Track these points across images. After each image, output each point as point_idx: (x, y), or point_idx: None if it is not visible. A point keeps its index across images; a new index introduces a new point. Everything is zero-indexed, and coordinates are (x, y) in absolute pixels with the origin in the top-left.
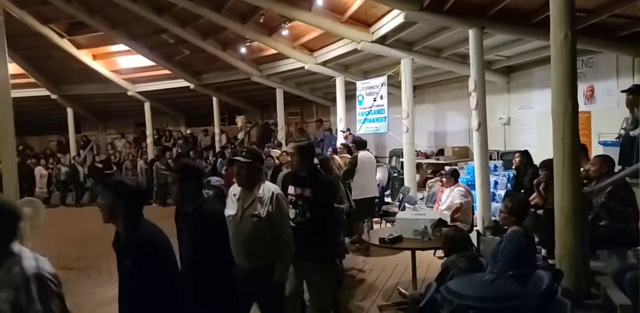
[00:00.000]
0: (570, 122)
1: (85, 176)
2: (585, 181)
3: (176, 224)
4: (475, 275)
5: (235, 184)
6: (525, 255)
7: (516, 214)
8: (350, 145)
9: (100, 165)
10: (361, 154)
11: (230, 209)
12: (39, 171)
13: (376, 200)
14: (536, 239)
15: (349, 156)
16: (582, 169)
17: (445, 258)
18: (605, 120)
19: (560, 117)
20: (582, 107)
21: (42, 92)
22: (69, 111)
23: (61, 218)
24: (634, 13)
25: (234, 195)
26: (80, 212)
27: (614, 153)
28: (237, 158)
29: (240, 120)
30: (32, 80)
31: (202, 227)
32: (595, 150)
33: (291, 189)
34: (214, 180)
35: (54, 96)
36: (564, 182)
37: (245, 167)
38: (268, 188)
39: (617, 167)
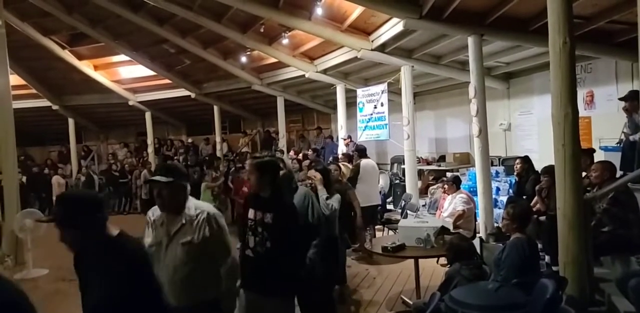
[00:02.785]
0: (571, 128)
1: (103, 184)
2: (587, 188)
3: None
4: (479, 284)
5: (194, 201)
6: (529, 263)
7: (519, 221)
8: (352, 153)
9: (117, 174)
10: (364, 161)
11: (151, 237)
12: (57, 180)
13: (378, 208)
14: (539, 246)
15: (349, 165)
16: (584, 175)
17: (449, 266)
18: (605, 125)
19: (560, 123)
20: (582, 112)
21: (44, 102)
22: (70, 121)
23: None
24: (632, 19)
25: (154, 220)
26: None
27: (616, 158)
28: (155, 178)
29: (242, 140)
30: (34, 91)
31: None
32: (597, 155)
33: (251, 213)
34: None
35: (55, 107)
36: (565, 188)
37: (166, 187)
38: (200, 207)
39: (619, 173)
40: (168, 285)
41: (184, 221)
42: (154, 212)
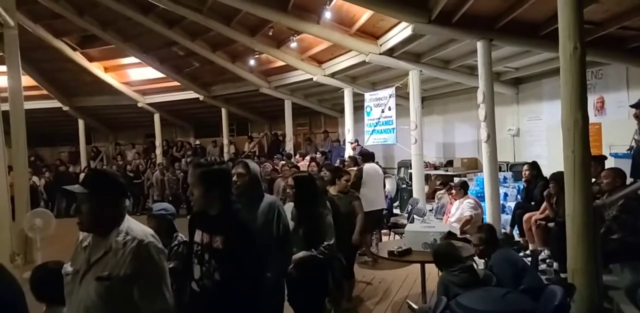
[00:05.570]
0: (581, 134)
1: None
2: (598, 195)
3: None
4: (486, 289)
5: (131, 223)
6: (521, 266)
7: (491, 242)
8: (358, 157)
9: (132, 174)
10: (366, 166)
11: (72, 263)
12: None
13: (385, 212)
14: (547, 252)
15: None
16: (593, 181)
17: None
18: (616, 132)
19: (570, 129)
20: (592, 118)
21: (54, 103)
22: (80, 122)
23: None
24: None
25: (81, 240)
26: None
27: (626, 165)
28: (69, 187)
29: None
30: (45, 92)
31: None
32: (607, 162)
33: (197, 235)
34: (159, 207)
35: (65, 108)
36: (575, 195)
37: (86, 200)
38: (132, 232)
39: (629, 180)
40: None
41: (107, 248)
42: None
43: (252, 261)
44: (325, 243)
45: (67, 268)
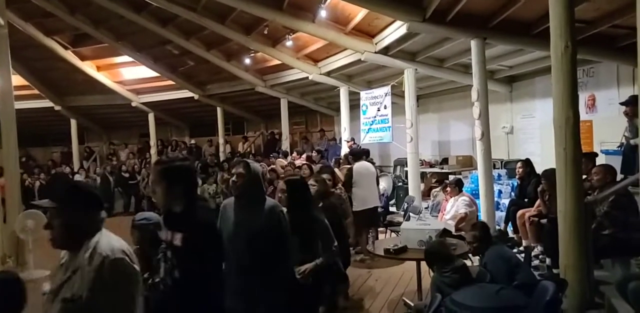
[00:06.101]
0: (572, 131)
1: (113, 186)
2: (589, 192)
3: None
4: (480, 286)
5: (103, 237)
6: (515, 262)
7: (485, 238)
8: (349, 156)
9: (127, 175)
10: (357, 165)
11: (52, 282)
12: (76, 179)
13: (380, 210)
14: (540, 249)
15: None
16: (585, 177)
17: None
18: (607, 129)
19: (561, 126)
20: (583, 116)
21: (46, 103)
22: (73, 122)
23: None
24: (634, 23)
25: (62, 257)
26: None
27: (616, 162)
28: (38, 202)
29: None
30: (36, 91)
31: None
32: (598, 158)
33: (163, 233)
34: (141, 217)
35: (57, 107)
36: (566, 191)
37: (57, 215)
38: (99, 247)
39: (620, 176)
40: None
41: (75, 266)
42: None
43: (211, 259)
44: (326, 249)
45: (46, 287)
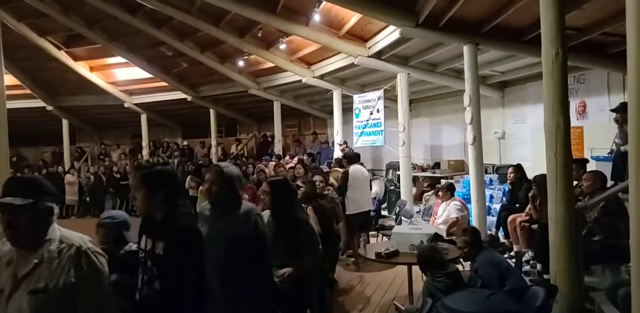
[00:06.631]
0: (563, 137)
1: (106, 186)
2: (579, 198)
3: None
4: (471, 291)
5: (62, 230)
6: (505, 267)
7: (476, 243)
8: (342, 160)
9: (118, 176)
10: (352, 168)
11: None
12: (67, 179)
13: (372, 214)
14: (531, 254)
15: (341, 171)
16: (575, 183)
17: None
18: (597, 135)
19: (552, 132)
20: (574, 122)
21: (38, 103)
22: (65, 122)
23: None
24: (624, 31)
25: (0, 257)
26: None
27: (607, 168)
28: (6, 200)
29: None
30: (28, 91)
31: None
32: (589, 165)
33: (143, 241)
34: (107, 216)
35: (49, 107)
36: (557, 197)
37: (22, 213)
38: (68, 240)
39: (610, 183)
40: None
41: (39, 259)
42: (3, 245)
43: (194, 270)
44: (312, 253)
45: None
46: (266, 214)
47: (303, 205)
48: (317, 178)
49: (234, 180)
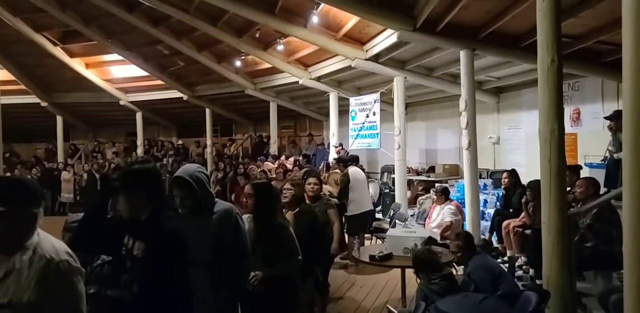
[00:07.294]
0: (557, 144)
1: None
2: (572, 204)
3: None
4: (464, 295)
5: (42, 237)
6: (498, 271)
7: (468, 247)
8: (337, 164)
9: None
10: (351, 170)
11: None
12: (64, 176)
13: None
14: (524, 259)
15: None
16: (568, 189)
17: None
18: (591, 143)
19: (547, 139)
20: (568, 129)
21: (32, 99)
22: (59, 119)
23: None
24: (619, 40)
25: None
26: None
27: (600, 175)
28: None
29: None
30: (23, 87)
31: None
32: (582, 171)
33: (125, 240)
34: (74, 219)
35: (44, 104)
36: (550, 203)
37: (3, 217)
38: (41, 248)
39: (603, 189)
40: None
41: (9, 268)
42: None
43: (173, 273)
44: (287, 258)
45: None
46: (245, 217)
47: (286, 209)
48: (311, 180)
49: (202, 181)
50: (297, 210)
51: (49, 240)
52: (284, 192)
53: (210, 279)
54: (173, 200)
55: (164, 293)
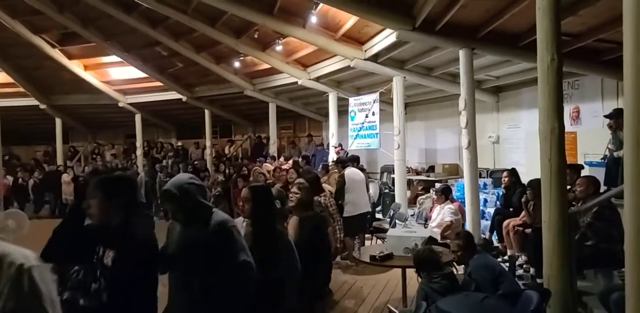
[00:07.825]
0: (557, 142)
1: None
2: (573, 202)
3: None
4: (465, 294)
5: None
6: (498, 271)
7: (469, 247)
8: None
9: None
10: (348, 171)
11: None
12: (64, 178)
13: (368, 216)
14: (524, 258)
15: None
16: (569, 188)
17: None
18: (591, 141)
19: (547, 137)
20: (568, 127)
21: (31, 101)
22: (58, 121)
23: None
24: (618, 38)
25: None
26: None
27: (600, 173)
28: None
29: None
30: (22, 89)
31: None
32: (582, 170)
33: (97, 248)
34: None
35: (43, 106)
36: (551, 202)
37: None
38: (8, 256)
39: (603, 188)
40: None
41: None
42: None
43: (144, 282)
44: (285, 265)
45: None
46: (241, 222)
47: (292, 214)
48: (299, 181)
49: (192, 193)
50: (303, 215)
51: (11, 247)
52: (290, 195)
53: (200, 290)
54: (151, 208)
55: (132, 302)
